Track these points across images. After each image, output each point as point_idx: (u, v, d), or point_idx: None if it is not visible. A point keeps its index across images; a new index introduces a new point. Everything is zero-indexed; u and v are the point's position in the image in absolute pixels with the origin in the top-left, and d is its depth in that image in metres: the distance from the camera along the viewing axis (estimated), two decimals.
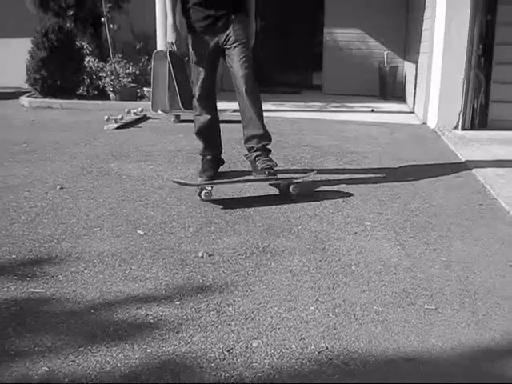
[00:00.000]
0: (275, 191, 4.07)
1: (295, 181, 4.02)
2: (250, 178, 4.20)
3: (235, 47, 4.11)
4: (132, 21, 9.37)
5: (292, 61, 11.94)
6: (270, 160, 4.13)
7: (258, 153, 4.14)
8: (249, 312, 2.43)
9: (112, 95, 8.32)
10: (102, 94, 8.63)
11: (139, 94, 8.40)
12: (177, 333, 2.26)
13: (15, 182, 4.26)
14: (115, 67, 8.44)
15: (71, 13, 9.26)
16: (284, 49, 11.82)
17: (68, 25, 8.91)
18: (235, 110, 7.14)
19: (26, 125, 6.88)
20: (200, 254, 2.98)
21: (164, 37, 7.81)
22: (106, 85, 8.44)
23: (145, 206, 3.75)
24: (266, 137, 4.17)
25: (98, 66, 8.85)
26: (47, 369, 2.02)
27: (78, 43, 8.98)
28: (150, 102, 7.50)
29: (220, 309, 2.45)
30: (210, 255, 2.99)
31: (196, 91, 4.25)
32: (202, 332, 2.27)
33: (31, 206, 3.73)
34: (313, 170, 4.36)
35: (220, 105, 7.57)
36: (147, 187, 4.16)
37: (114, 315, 2.38)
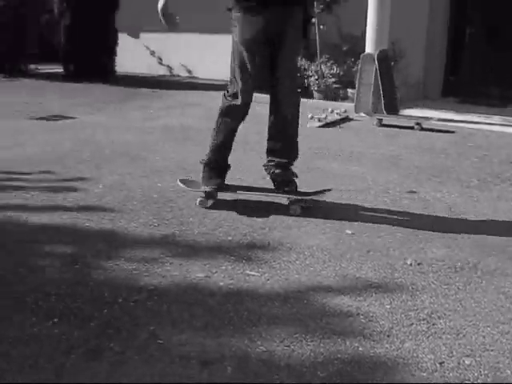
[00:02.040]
0: None
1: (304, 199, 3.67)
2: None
3: (286, 50, 3.53)
4: (340, 23, 9.47)
5: (501, 72, 11.31)
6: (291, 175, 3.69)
7: (277, 167, 3.69)
8: (460, 328, 2.36)
9: (316, 94, 8.47)
10: (305, 92, 8.82)
11: (341, 95, 8.47)
12: (388, 336, 2.25)
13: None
14: (321, 67, 8.59)
15: None
16: (493, 59, 11.24)
17: None
18: (440, 119, 6.98)
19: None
20: (409, 262, 2.95)
21: (373, 40, 7.82)
22: (311, 83, 8.62)
23: (353, 206, 3.78)
24: (295, 155, 3.74)
25: (304, 65, 9.06)
26: (264, 349, 2.12)
27: None
28: (353, 104, 7.54)
29: (430, 320, 2.40)
30: (418, 264, 2.94)
31: (239, 86, 3.52)
32: (413, 340, 2.24)
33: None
34: (325, 191, 3.77)
35: (422, 112, 7.45)
36: (354, 188, 4.19)
37: (326, 309, 2.43)
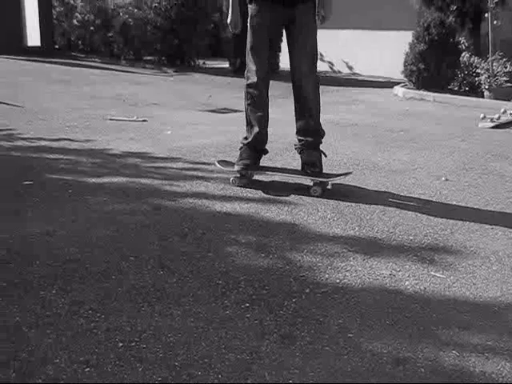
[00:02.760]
0: None
1: (329, 181, 3.85)
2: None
3: (300, 34, 3.75)
4: None
5: None
6: (316, 157, 3.85)
7: (305, 147, 3.88)
8: None
9: (486, 93, 8.10)
10: (473, 91, 8.48)
11: None
12: None
13: (400, 167, 4.45)
14: (493, 65, 8.20)
15: (454, 8, 9.24)
16: None
17: (449, 20, 8.91)
18: None
19: (400, 114, 7.13)
20: None
21: None
22: (481, 82, 8.26)
23: None
24: (320, 134, 3.91)
25: (473, 63, 8.70)
26: (457, 354, 2.08)
27: (455, 38, 8.93)
28: None
29: None
30: None
31: (254, 73, 3.89)
32: None
33: (419, 192, 3.86)
34: (346, 174, 3.92)
35: None
36: None
37: None
